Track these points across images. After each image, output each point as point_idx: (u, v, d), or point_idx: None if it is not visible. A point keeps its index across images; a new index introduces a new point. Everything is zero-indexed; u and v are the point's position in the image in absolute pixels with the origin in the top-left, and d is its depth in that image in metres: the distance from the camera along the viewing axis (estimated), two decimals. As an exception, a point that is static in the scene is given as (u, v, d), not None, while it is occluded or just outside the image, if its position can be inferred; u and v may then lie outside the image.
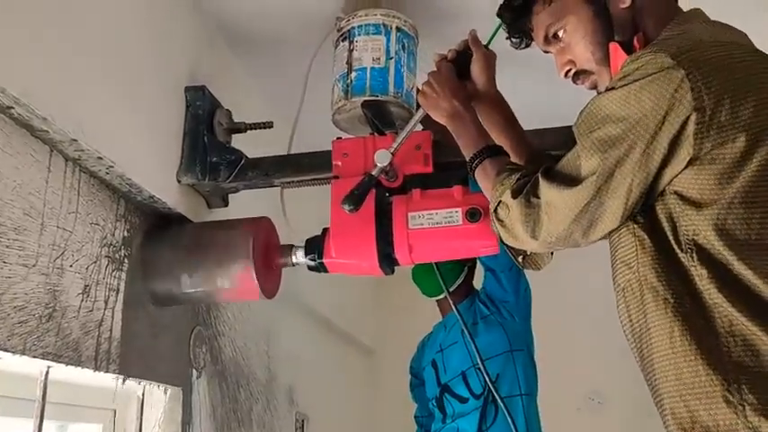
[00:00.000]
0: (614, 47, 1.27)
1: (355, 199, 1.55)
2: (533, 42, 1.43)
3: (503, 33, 1.49)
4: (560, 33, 1.33)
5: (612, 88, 1.14)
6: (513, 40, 1.46)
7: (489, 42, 1.54)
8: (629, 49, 1.24)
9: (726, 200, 1.06)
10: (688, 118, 1.05)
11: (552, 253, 1.50)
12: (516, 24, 1.43)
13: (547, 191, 1.18)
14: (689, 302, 1.08)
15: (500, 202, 1.27)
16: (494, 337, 2.36)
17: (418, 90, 1.83)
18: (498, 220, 1.28)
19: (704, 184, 1.07)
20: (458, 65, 1.54)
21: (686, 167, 1.08)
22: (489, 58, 1.54)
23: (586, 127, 1.16)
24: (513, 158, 1.47)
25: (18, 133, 1.28)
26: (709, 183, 1.07)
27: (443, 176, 1.64)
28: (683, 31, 1.20)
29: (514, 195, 1.23)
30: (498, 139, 1.49)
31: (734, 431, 1.01)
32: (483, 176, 1.37)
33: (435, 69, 1.54)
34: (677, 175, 1.10)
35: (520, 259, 1.49)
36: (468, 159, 1.41)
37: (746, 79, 1.08)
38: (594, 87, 1.34)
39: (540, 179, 1.20)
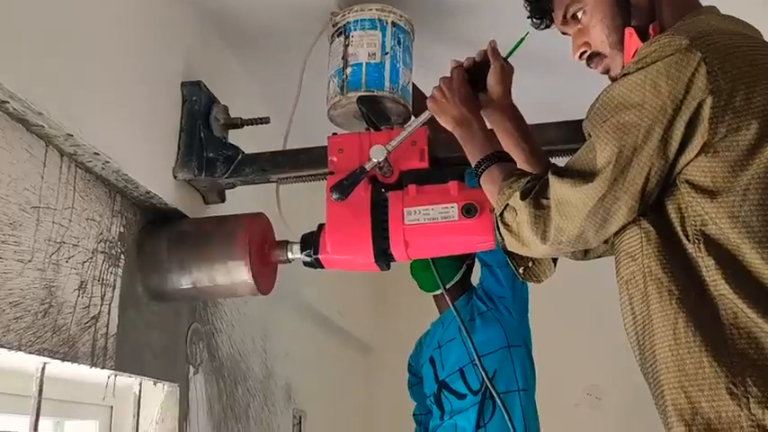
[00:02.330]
0: (630, 32, 1.27)
1: (343, 188, 1.56)
2: (552, 24, 1.43)
3: (522, 47, 1.50)
4: (579, 14, 1.34)
5: (626, 74, 1.13)
6: (534, 20, 1.45)
7: (509, 55, 1.53)
8: (644, 35, 1.24)
9: (740, 187, 1.06)
10: (703, 101, 1.05)
11: (555, 264, 1.49)
12: (538, 4, 1.43)
13: (558, 188, 1.16)
14: (694, 294, 1.08)
15: (507, 205, 1.25)
16: (491, 333, 2.35)
17: (414, 86, 1.85)
18: (504, 224, 1.26)
19: (717, 171, 1.07)
20: (473, 74, 1.52)
21: (698, 155, 1.08)
22: (507, 71, 1.52)
23: (600, 118, 1.15)
24: (528, 170, 1.45)
25: (13, 128, 1.28)
26: (723, 170, 1.07)
27: (439, 172, 1.64)
28: (699, 20, 1.20)
29: (523, 197, 1.21)
30: (513, 150, 1.47)
31: (736, 423, 1.01)
32: (489, 181, 1.35)
33: (448, 75, 1.53)
34: (689, 163, 1.09)
35: (521, 270, 1.47)
36: (474, 165, 1.40)
37: (760, 67, 1.09)
38: (607, 72, 1.35)
39: (551, 177, 1.19)
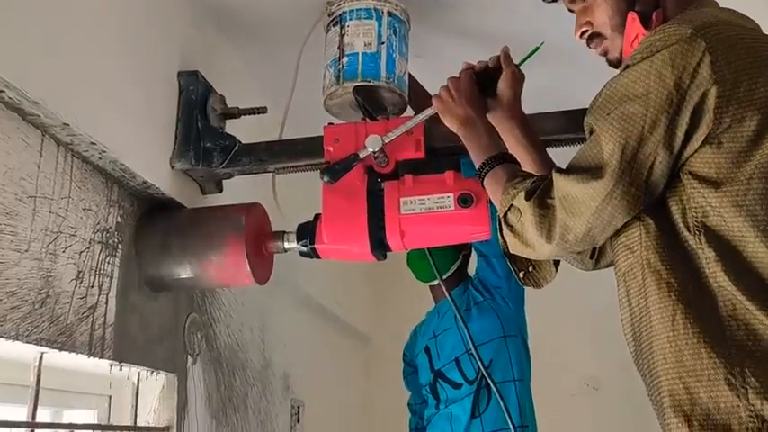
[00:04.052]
0: (632, 16, 1.28)
1: (334, 172, 1.57)
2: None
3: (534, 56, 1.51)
4: None
5: (629, 66, 1.14)
6: None
7: (522, 63, 1.53)
8: (646, 22, 1.25)
9: (744, 177, 1.07)
10: (708, 91, 1.06)
11: (557, 268, 1.48)
12: None
13: (564, 185, 1.16)
14: (692, 286, 1.09)
15: (511, 206, 1.24)
16: (487, 323, 2.36)
17: (411, 76, 1.85)
18: (508, 225, 1.24)
19: (722, 163, 1.08)
20: (483, 78, 1.52)
21: (702, 146, 1.08)
22: (518, 77, 1.52)
23: (603, 111, 1.15)
24: None
25: (9, 118, 1.28)
26: (727, 162, 1.07)
27: (436, 162, 1.63)
28: (702, 12, 1.21)
29: (528, 197, 1.20)
30: (520, 156, 1.46)
31: (735, 413, 1.02)
32: (493, 182, 1.34)
33: (456, 76, 1.52)
34: (693, 155, 1.09)
35: (521, 275, 1.46)
36: (478, 166, 1.39)
37: (763, 59, 1.10)
38: (605, 54, 1.36)
39: (555, 176, 1.18)
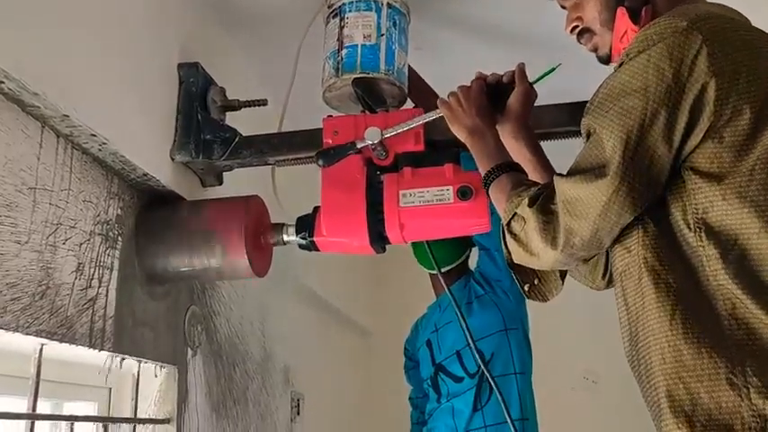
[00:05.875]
0: (621, 12, 1.28)
1: (328, 157, 1.58)
2: None
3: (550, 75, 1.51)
4: None
5: (623, 62, 1.13)
6: None
7: (536, 81, 1.52)
8: (635, 17, 1.26)
9: (747, 169, 1.07)
10: (707, 84, 1.06)
11: (563, 280, 1.47)
12: None
13: (567, 188, 1.14)
14: (691, 285, 1.08)
15: (515, 214, 1.23)
16: (488, 317, 2.36)
17: (410, 68, 1.84)
18: (512, 234, 1.23)
19: (724, 157, 1.07)
20: (493, 90, 1.52)
21: (704, 140, 1.08)
22: (530, 94, 1.51)
23: (602, 108, 1.14)
24: None
25: (9, 109, 1.28)
26: (729, 155, 1.07)
27: (435, 155, 1.63)
28: (694, 6, 1.21)
29: (531, 204, 1.19)
30: (530, 171, 1.45)
31: (737, 413, 1.01)
32: (498, 191, 1.32)
33: (467, 85, 1.52)
34: (695, 150, 1.09)
35: (526, 288, 1.46)
36: (483, 175, 1.38)
37: (758, 51, 1.10)
38: (595, 50, 1.36)
39: (556, 180, 1.17)
